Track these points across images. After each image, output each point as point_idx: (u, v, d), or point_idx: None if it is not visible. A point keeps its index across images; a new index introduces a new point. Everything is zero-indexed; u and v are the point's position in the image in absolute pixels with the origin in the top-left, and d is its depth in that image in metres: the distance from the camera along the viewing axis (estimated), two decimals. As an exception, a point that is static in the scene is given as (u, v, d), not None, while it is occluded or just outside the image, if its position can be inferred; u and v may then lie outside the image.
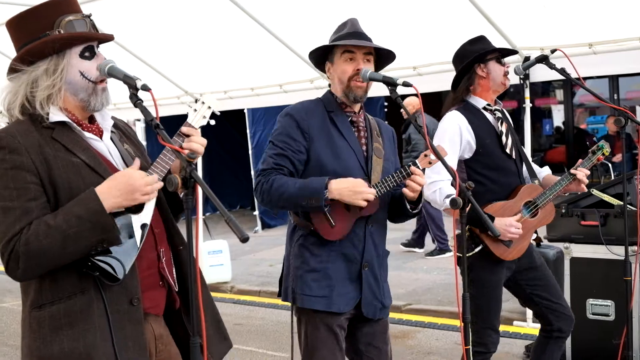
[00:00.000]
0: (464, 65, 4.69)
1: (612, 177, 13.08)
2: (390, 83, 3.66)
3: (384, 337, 4.07)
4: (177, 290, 3.04)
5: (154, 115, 2.78)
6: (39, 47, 2.83)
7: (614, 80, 18.19)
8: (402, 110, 3.89)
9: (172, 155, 2.83)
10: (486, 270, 4.54)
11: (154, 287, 2.96)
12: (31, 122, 2.83)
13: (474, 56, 4.65)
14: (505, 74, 4.66)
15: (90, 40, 2.91)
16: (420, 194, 3.85)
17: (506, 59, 4.75)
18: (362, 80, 3.81)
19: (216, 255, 10.66)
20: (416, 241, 11.88)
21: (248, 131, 15.03)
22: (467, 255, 4.43)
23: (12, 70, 2.88)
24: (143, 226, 2.83)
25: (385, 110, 17.42)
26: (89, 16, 2.94)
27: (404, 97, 3.65)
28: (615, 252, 5.41)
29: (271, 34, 8.40)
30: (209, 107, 3.00)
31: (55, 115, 2.85)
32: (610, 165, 15.34)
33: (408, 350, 7.18)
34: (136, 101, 2.79)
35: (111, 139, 3.02)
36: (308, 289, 3.85)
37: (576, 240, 5.81)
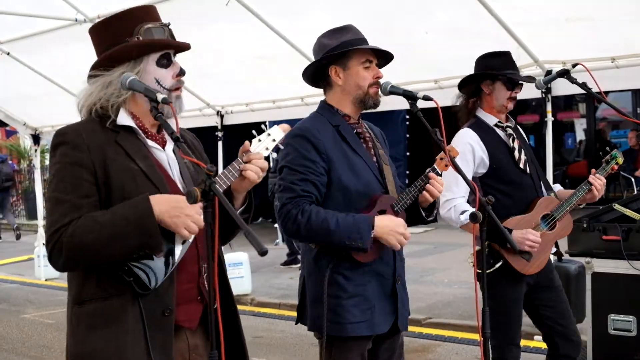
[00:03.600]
0: (471, 75, 4.73)
1: (635, 192, 12.98)
2: (411, 97, 3.66)
3: (401, 353, 4.04)
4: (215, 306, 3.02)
5: (174, 128, 2.79)
6: (117, 53, 2.92)
7: (637, 94, 18.08)
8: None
9: (235, 172, 2.87)
10: (506, 286, 4.53)
11: (191, 301, 2.99)
12: (99, 123, 2.92)
13: (482, 71, 4.68)
14: (511, 99, 4.64)
15: (168, 48, 2.99)
16: (434, 203, 3.83)
17: (528, 72, 4.73)
18: (383, 93, 3.80)
19: (236, 268, 10.67)
20: (292, 259, 12.21)
21: (269, 143, 15.03)
22: (488, 271, 4.41)
23: (91, 77, 2.97)
24: (184, 241, 2.88)
25: (407, 123, 17.38)
26: (167, 25, 3.02)
27: (426, 110, 3.64)
28: (638, 267, 5.38)
29: (293, 47, 8.42)
30: (274, 140, 3.01)
31: (123, 119, 2.93)
32: (633, 179, 15.24)
33: (428, 364, 7.15)
34: (157, 114, 2.80)
35: (173, 150, 3.07)
36: (351, 316, 3.72)
37: (598, 255, 5.76)
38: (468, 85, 4.77)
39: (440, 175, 3.79)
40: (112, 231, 2.73)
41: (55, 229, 2.76)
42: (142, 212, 2.74)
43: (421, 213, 3.85)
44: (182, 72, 3.02)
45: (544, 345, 4.96)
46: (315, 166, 3.70)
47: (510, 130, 4.69)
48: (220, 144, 10.65)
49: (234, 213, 2.55)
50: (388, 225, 3.65)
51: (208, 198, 2.53)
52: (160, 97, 2.77)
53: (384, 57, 3.92)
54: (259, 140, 3.00)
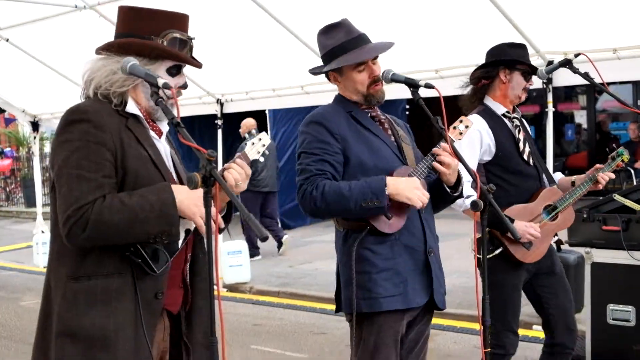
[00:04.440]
0: (491, 61, 4.71)
1: (635, 183, 12.98)
2: (413, 85, 3.65)
3: (424, 347, 4.01)
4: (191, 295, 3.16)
5: (175, 114, 2.85)
6: (139, 46, 3.01)
7: (637, 86, 18.05)
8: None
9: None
10: (505, 273, 4.54)
11: (175, 286, 3.09)
12: (110, 105, 2.99)
13: (505, 58, 4.66)
14: (525, 89, 4.65)
15: (183, 62, 3.10)
16: (459, 179, 3.78)
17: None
18: (385, 81, 3.79)
19: (235, 256, 10.68)
20: (252, 251, 12.03)
21: (269, 132, 15.04)
22: (489, 257, 4.42)
23: (105, 50, 3.02)
24: (187, 231, 3.01)
25: (407, 112, 17.38)
26: (192, 39, 3.13)
27: (426, 99, 3.64)
28: (637, 258, 5.38)
29: (293, 35, 8.40)
30: (264, 145, 3.22)
31: (131, 107, 3.02)
32: (632, 171, 15.21)
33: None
34: (157, 99, 2.85)
35: (165, 140, 3.17)
36: (383, 290, 3.69)
37: (597, 245, 5.77)
38: (484, 70, 4.74)
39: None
40: (137, 215, 2.81)
41: (80, 205, 2.80)
42: (165, 200, 2.85)
43: (445, 189, 3.80)
44: (184, 86, 3.14)
45: (542, 335, 4.96)
46: (330, 147, 3.73)
47: (516, 122, 4.69)
48: (219, 132, 10.63)
49: (234, 198, 2.57)
50: (402, 182, 3.62)
51: (208, 184, 2.54)
52: (161, 81, 2.82)
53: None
54: (252, 143, 3.19)
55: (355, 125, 3.83)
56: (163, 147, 3.13)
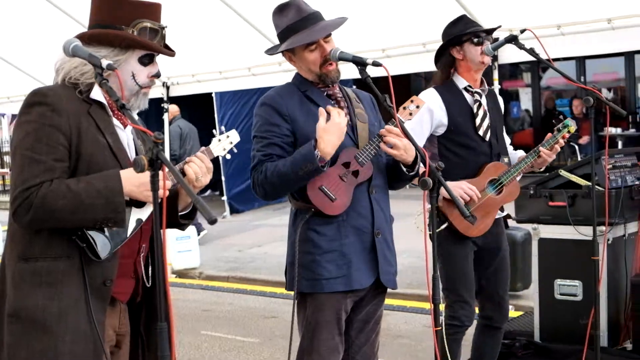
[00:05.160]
0: (438, 49, 4.74)
1: (579, 159, 13.18)
2: (360, 63, 3.62)
3: (376, 327, 4.00)
4: (149, 285, 3.16)
5: (119, 95, 2.84)
6: (109, 37, 3.02)
7: (581, 62, 18.29)
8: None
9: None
10: (453, 244, 4.60)
11: (126, 275, 3.09)
12: (74, 91, 3.00)
13: (447, 40, 4.68)
14: (483, 52, 4.64)
15: (154, 51, 3.12)
16: (416, 158, 3.77)
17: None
18: (332, 59, 3.77)
19: (184, 241, 10.60)
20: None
21: (216, 115, 14.92)
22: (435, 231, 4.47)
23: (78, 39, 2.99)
24: (138, 220, 3.00)
25: (354, 93, 17.38)
26: (163, 28, 3.12)
27: (374, 79, 3.64)
28: (583, 233, 5.44)
29: (240, 16, 8.34)
30: (231, 143, 3.29)
31: (96, 95, 3.02)
32: (577, 147, 15.43)
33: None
34: (101, 81, 2.81)
35: (131, 131, 3.18)
36: (326, 272, 3.71)
37: (544, 221, 5.83)
38: (442, 60, 4.77)
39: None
40: (82, 200, 2.81)
41: (26, 187, 2.81)
42: (113, 187, 2.85)
43: (401, 168, 3.79)
44: (157, 75, 3.16)
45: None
46: (278, 129, 3.75)
47: (477, 96, 4.70)
48: (166, 115, 10.53)
49: (181, 181, 2.55)
50: (326, 134, 3.58)
51: (155, 166, 2.50)
52: (104, 63, 2.79)
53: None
54: (219, 140, 3.24)
55: (308, 105, 3.81)
56: (126, 136, 3.12)
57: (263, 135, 3.77)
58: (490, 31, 4.70)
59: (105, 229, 2.90)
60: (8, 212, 3.04)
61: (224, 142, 3.25)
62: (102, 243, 2.90)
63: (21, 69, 10.57)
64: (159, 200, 2.54)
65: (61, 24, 8.96)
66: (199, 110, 16.43)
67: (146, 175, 2.74)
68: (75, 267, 2.91)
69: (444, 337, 4.58)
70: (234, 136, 3.28)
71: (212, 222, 2.46)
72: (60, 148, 2.88)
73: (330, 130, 3.60)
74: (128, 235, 2.97)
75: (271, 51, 3.99)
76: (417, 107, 3.79)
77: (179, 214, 3.21)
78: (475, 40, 4.59)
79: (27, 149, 2.86)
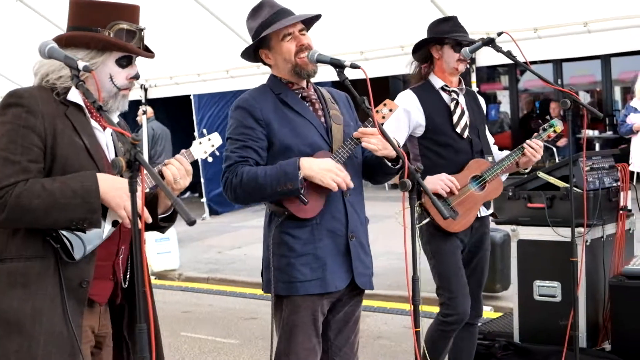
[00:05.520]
0: (421, 41, 4.78)
1: (557, 161, 13.25)
2: (338, 65, 3.62)
3: (354, 328, 4.02)
4: (125, 286, 3.15)
5: (96, 97, 2.84)
6: (85, 39, 3.01)
7: (558, 65, 18.39)
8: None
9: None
10: (441, 241, 4.65)
11: (104, 277, 3.07)
12: (51, 93, 2.99)
13: (430, 37, 4.74)
14: (460, 61, 4.70)
15: (131, 53, 3.08)
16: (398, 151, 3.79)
17: None
18: (310, 62, 3.77)
19: (164, 243, 10.54)
20: None
21: (195, 117, 14.89)
22: (417, 226, 4.49)
23: (55, 42, 2.96)
24: (115, 222, 2.98)
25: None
26: (142, 30, 3.10)
27: (352, 82, 3.66)
28: (562, 234, 5.46)
29: (217, 19, 8.33)
30: (213, 145, 3.29)
31: (74, 96, 3.00)
32: (554, 149, 15.51)
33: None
34: (78, 82, 2.79)
35: (111, 134, 3.16)
36: (300, 275, 3.72)
37: (523, 223, 5.84)
38: (419, 52, 4.83)
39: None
40: (58, 200, 2.81)
41: (0, 187, 2.80)
42: (89, 187, 2.84)
43: (386, 163, 3.79)
44: (136, 76, 3.13)
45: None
46: (253, 132, 3.75)
47: (454, 95, 4.75)
48: (144, 117, 10.49)
49: (160, 183, 2.55)
50: (315, 163, 3.64)
51: (133, 168, 2.49)
52: (81, 64, 2.78)
53: (310, 22, 3.91)
54: (200, 142, 3.23)
55: (282, 109, 3.82)
56: (105, 138, 3.11)
57: (238, 138, 3.77)
58: (473, 42, 4.73)
59: (79, 231, 2.88)
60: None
61: (205, 145, 3.24)
62: (76, 244, 2.88)
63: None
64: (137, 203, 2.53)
65: (39, 27, 8.92)
66: (177, 112, 16.39)
67: (123, 181, 2.77)
68: (51, 268, 2.89)
69: (432, 333, 4.62)
70: (215, 139, 3.27)
71: (191, 223, 2.47)
72: (34, 149, 2.87)
73: (324, 169, 3.64)
74: (104, 237, 2.96)
75: (246, 51, 3.96)
76: (390, 110, 3.80)
77: (159, 216, 3.19)
78: (456, 47, 4.64)
79: (1, 149, 2.86)
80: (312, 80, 3.97)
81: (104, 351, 3.15)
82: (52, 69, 2.99)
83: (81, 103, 3.03)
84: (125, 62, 3.08)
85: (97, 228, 2.89)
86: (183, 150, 3.15)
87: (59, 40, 2.99)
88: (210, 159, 3.27)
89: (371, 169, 3.97)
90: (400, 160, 3.78)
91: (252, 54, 3.96)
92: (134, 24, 3.08)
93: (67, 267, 2.90)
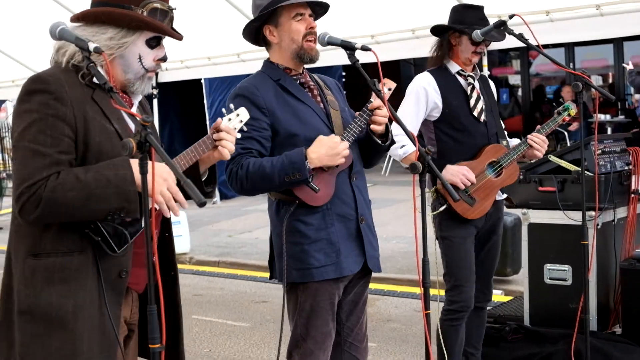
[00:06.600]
0: (439, 26, 4.78)
1: (568, 145, 13.20)
2: (349, 47, 3.61)
3: (364, 309, 4.03)
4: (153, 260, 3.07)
5: (107, 78, 2.72)
6: (117, 16, 2.86)
7: (570, 48, 18.31)
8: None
9: (210, 143, 3.02)
10: (453, 227, 4.65)
11: (140, 265, 2.93)
12: (76, 75, 2.84)
13: (451, 25, 4.73)
14: (475, 53, 4.71)
15: (163, 33, 2.97)
16: (387, 127, 3.78)
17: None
18: (321, 44, 3.75)
19: (175, 226, 10.41)
20: None
21: (205, 101, 14.88)
22: (433, 213, 4.55)
23: (80, 19, 2.88)
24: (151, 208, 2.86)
25: (344, 79, 17.35)
26: (172, 9, 3.00)
27: (363, 64, 3.64)
28: (573, 218, 5.45)
29: (228, 2, 8.30)
30: (241, 121, 3.17)
31: (101, 78, 2.79)
32: (566, 133, 15.47)
33: (367, 318, 7.20)
34: (89, 64, 2.72)
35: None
36: (315, 261, 3.71)
37: (534, 206, 5.84)
38: (440, 35, 4.81)
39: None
40: (93, 191, 2.67)
41: (33, 182, 2.67)
42: (124, 175, 2.70)
43: (376, 141, 3.79)
44: (164, 58, 3.02)
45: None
46: (256, 122, 3.67)
47: (471, 80, 4.75)
48: (155, 101, 10.50)
49: (170, 163, 2.51)
50: (324, 152, 3.63)
51: (144, 149, 2.48)
52: (92, 46, 2.70)
53: (319, 8, 3.87)
54: (229, 119, 3.11)
55: (283, 95, 3.79)
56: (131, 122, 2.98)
57: (240, 128, 3.73)
58: (493, 38, 4.71)
59: (117, 221, 2.76)
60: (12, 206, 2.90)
61: (234, 121, 3.13)
62: (117, 235, 2.78)
63: (9, 55, 10.52)
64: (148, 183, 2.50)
65: (52, 12, 8.91)
66: (188, 96, 16.39)
67: (157, 165, 2.64)
68: (90, 262, 2.80)
69: (441, 327, 4.63)
70: (243, 114, 3.15)
71: (202, 204, 2.46)
72: (65, 140, 2.73)
73: (327, 156, 3.64)
74: (143, 224, 2.79)
75: (248, 31, 3.89)
76: (389, 89, 3.77)
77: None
78: (474, 41, 4.62)
79: (30, 141, 2.71)
80: (318, 64, 3.94)
81: (133, 339, 3.10)
82: (77, 49, 2.81)
83: (110, 85, 2.84)
84: (154, 42, 2.96)
85: (137, 217, 2.77)
86: (216, 121, 3.06)
87: (86, 15, 2.88)
88: (239, 136, 3.17)
89: (362, 150, 3.94)
90: (390, 135, 3.82)
91: (254, 31, 3.89)
92: (166, 3, 2.98)
93: (105, 259, 2.81)
